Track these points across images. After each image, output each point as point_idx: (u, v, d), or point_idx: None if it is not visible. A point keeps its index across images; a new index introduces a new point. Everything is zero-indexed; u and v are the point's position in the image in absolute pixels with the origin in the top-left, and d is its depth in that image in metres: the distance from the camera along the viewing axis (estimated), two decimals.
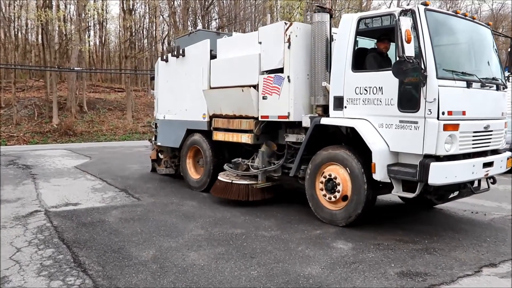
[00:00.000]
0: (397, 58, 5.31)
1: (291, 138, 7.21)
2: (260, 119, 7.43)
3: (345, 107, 6.30)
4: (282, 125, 7.50)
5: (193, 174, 9.19)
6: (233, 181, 7.58)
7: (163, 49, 31.93)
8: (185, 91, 9.11)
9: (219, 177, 7.88)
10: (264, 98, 7.30)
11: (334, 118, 6.42)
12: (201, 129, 8.77)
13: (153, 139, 10.91)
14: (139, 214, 6.95)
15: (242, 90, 7.48)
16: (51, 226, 6.25)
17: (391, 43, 6.49)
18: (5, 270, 4.60)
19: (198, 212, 7.14)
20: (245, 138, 7.70)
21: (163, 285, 4.25)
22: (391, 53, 6.61)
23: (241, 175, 7.74)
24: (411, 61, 5.19)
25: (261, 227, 6.29)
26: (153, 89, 10.84)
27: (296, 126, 7.14)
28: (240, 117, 7.78)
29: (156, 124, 10.39)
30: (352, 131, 6.24)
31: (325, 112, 6.73)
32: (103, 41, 40.40)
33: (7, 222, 6.45)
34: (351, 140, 6.40)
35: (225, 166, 8.09)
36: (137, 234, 5.88)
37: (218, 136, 8.31)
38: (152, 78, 11.01)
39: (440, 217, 7.09)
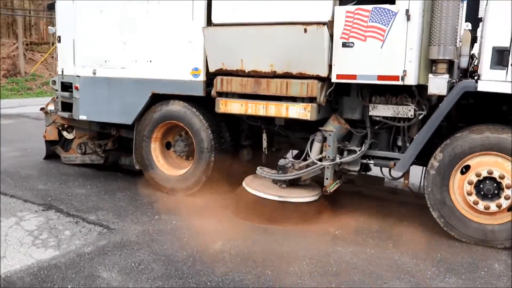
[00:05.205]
0: None
1: (383, 111, 4.58)
2: (335, 80, 4.50)
3: None
4: (354, 89, 4.78)
5: (163, 167, 5.61)
6: (283, 198, 4.62)
7: None
8: (148, 29, 5.35)
9: (248, 188, 4.75)
10: (346, 45, 4.38)
11: (499, 83, 4.04)
12: (187, 95, 5.28)
13: (53, 108, 6.62)
14: (164, 273, 3.45)
15: (305, 30, 4.37)
16: None
17: None
18: None
19: (259, 247, 3.98)
20: (298, 111, 4.63)
21: None
22: None
23: (290, 179, 4.76)
24: None
25: (417, 273, 3.66)
26: (54, 26, 6.39)
27: (389, 92, 4.55)
28: (288, 75, 4.68)
29: (64, 84, 6.19)
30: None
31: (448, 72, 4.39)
32: None
33: None
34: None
35: (259, 170, 4.93)
36: None
37: (231, 107, 4.96)
38: (51, 7, 6.43)
39: None
